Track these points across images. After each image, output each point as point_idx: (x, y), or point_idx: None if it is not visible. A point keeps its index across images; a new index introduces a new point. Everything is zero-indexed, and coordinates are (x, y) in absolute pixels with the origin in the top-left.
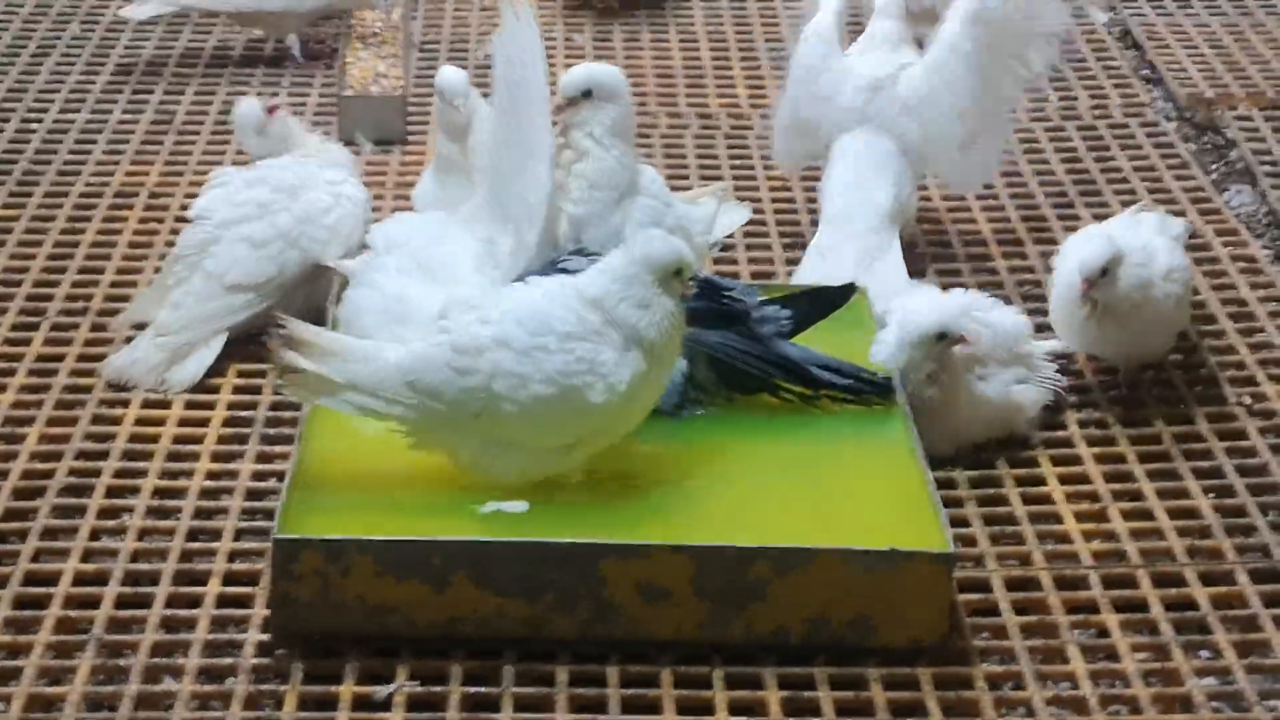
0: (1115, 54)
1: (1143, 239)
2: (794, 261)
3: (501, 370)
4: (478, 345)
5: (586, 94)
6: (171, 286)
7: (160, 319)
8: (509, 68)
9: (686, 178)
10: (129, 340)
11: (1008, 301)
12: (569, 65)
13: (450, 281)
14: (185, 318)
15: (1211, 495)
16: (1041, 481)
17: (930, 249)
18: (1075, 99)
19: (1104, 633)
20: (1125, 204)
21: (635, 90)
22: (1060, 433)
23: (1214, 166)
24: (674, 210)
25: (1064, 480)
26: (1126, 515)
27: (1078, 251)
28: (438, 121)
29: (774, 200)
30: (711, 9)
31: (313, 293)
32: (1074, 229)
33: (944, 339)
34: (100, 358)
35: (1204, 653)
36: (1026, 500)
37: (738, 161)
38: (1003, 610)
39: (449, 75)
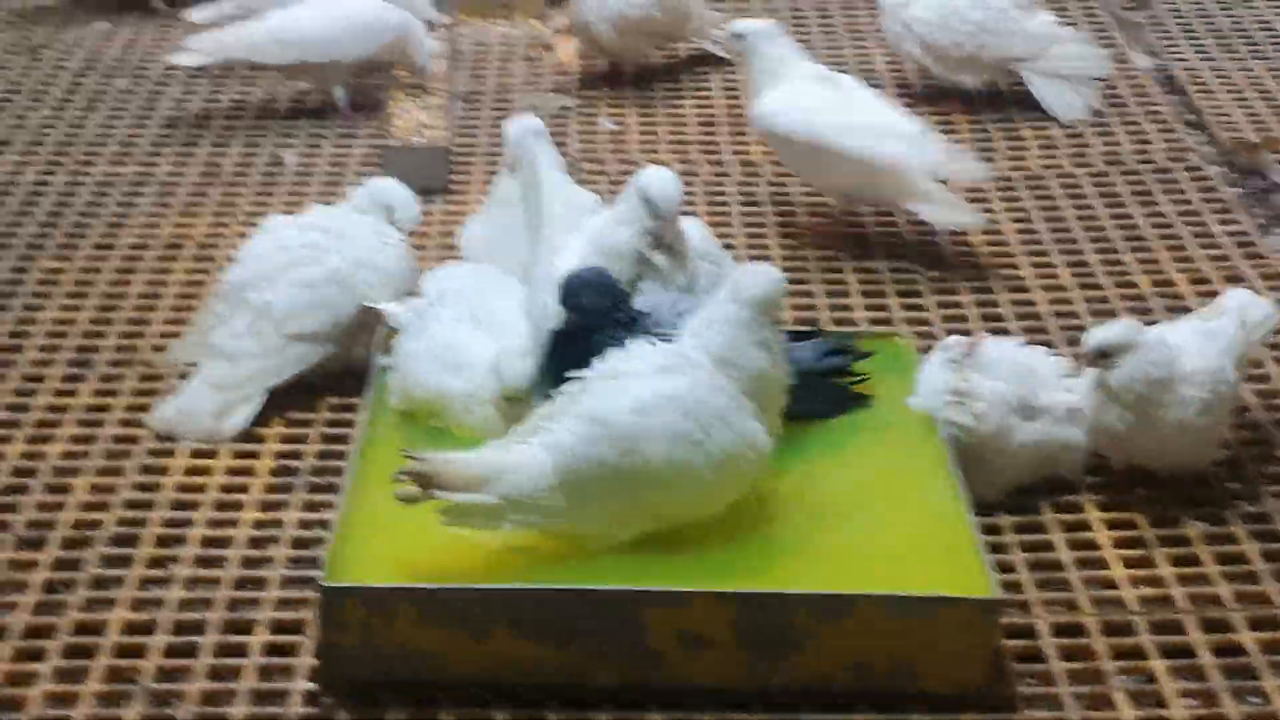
0: (1158, 99)
1: (1176, 335)
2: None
3: (667, 458)
4: (635, 434)
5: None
6: (214, 325)
7: (218, 373)
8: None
9: (730, 224)
10: (174, 388)
11: (1052, 347)
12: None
13: (501, 333)
14: (246, 371)
15: (1258, 540)
16: (1087, 526)
17: (975, 295)
18: (1118, 144)
19: (1151, 679)
20: (1170, 249)
21: (675, 138)
22: (1105, 477)
23: (1258, 210)
24: (725, 267)
25: (1110, 525)
26: (1173, 560)
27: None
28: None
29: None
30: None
31: (369, 341)
32: (1118, 274)
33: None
34: (148, 408)
35: (1253, 699)
36: (1072, 545)
37: (782, 208)
38: (1049, 656)
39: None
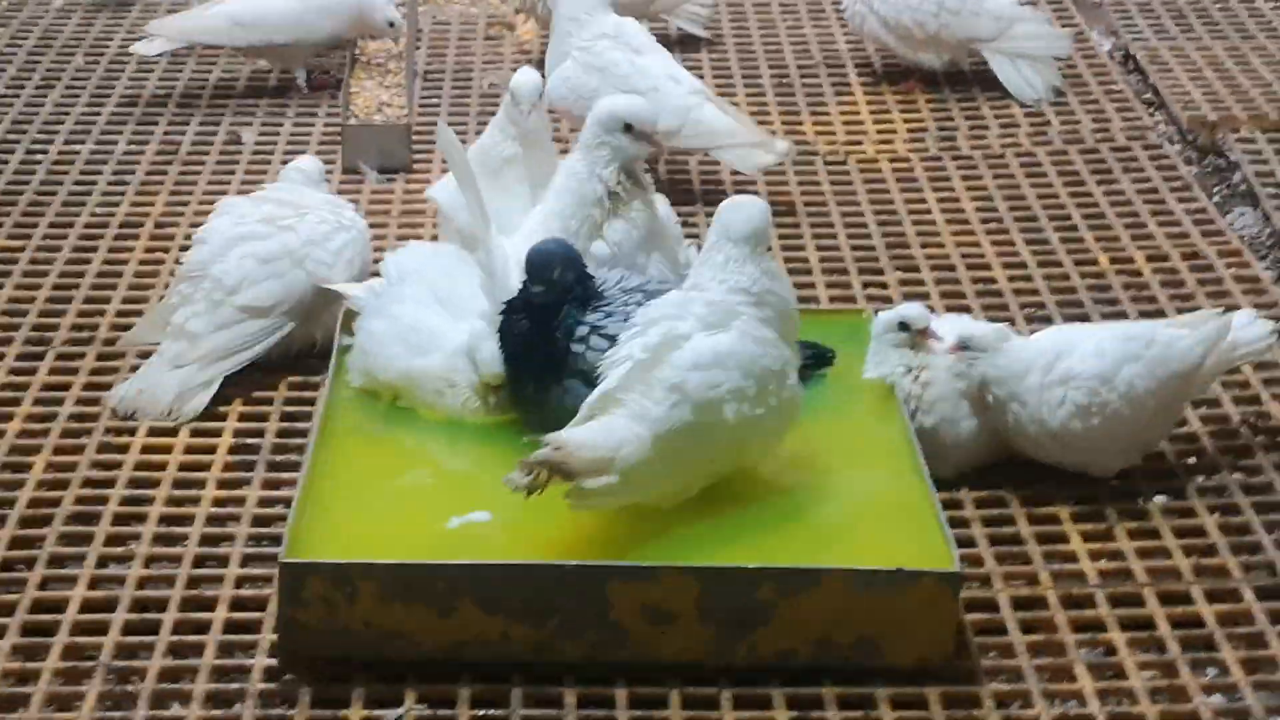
0: (1117, 78)
1: (1077, 336)
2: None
3: (738, 414)
4: (708, 397)
5: (628, 128)
6: (176, 305)
7: (175, 349)
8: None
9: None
10: (134, 369)
11: (1012, 324)
12: None
13: (465, 312)
14: (205, 348)
15: (1217, 513)
16: (1047, 500)
17: (934, 273)
18: (1078, 123)
19: (1111, 651)
20: (1129, 226)
21: None
22: None
23: (1217, 189)
24: (684, 251)
25: (1069, 499)
26: (1132, 534)
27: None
28: (502, 120)
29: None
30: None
31: (329, 320)
32: (1078, 252)
33: (905, 329)
34: (106, 387)
35: (1211, 670)
36: (1032, 520)
37: (743, 187)
38: (1010, 629)
39: (522, 78)
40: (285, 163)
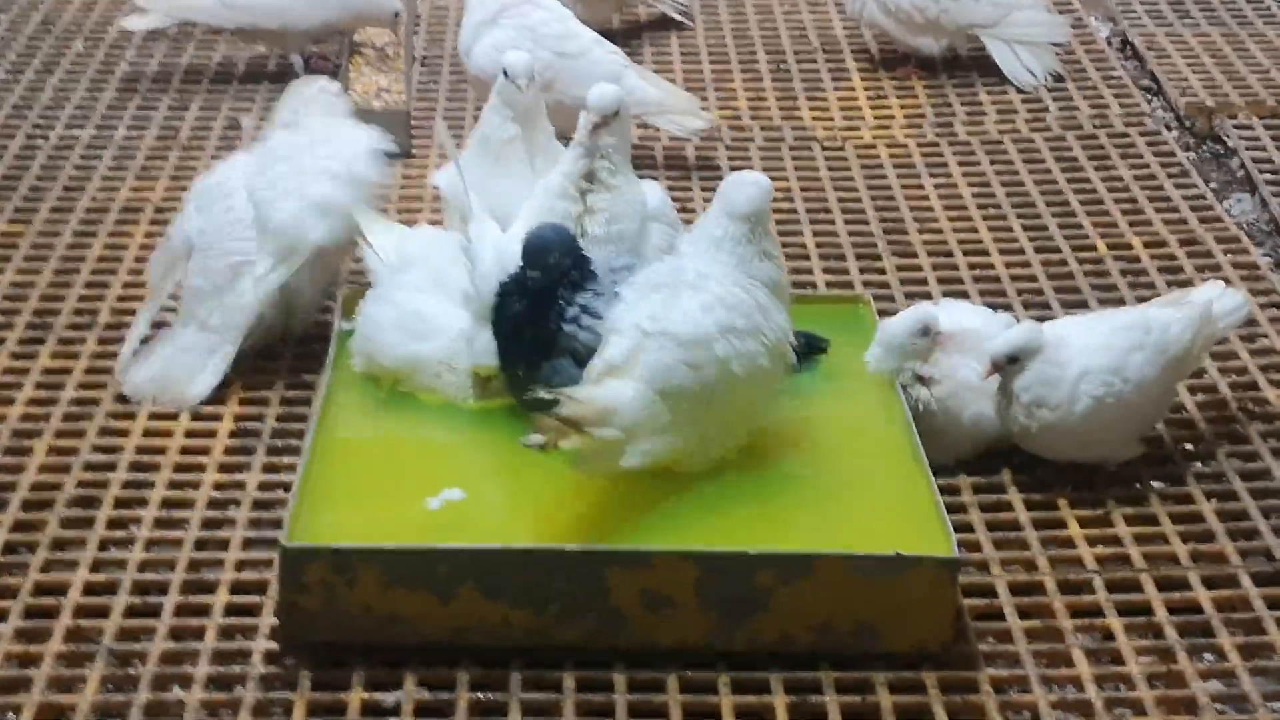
0: (1115, 64)
1: (1079, 329)
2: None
3: (733, 351)
4: (699, 337)
5: (615, 114)
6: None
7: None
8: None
9: (689, 188)
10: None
11: (1009, 309)
12: None
13: (464, 298)
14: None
15: (1214, 499)
16: (1045, 486)
17: (932, 258)
18: (1076, 109)
19: (1108, 636)
20: (1126, 213)
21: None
22: None
23: (1214, 175)
24: (680, 234)
25: (1067, 485)
26: (1129, 520)
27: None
28: (497, 104)
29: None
30: (712, 22)
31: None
32: (1075, 238)
33: (926, 334)
34: (108, 371)
35: (1208, 656)
36: (1030, 505)
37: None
38: (1007, 615)
39: (514, 56)
40: None
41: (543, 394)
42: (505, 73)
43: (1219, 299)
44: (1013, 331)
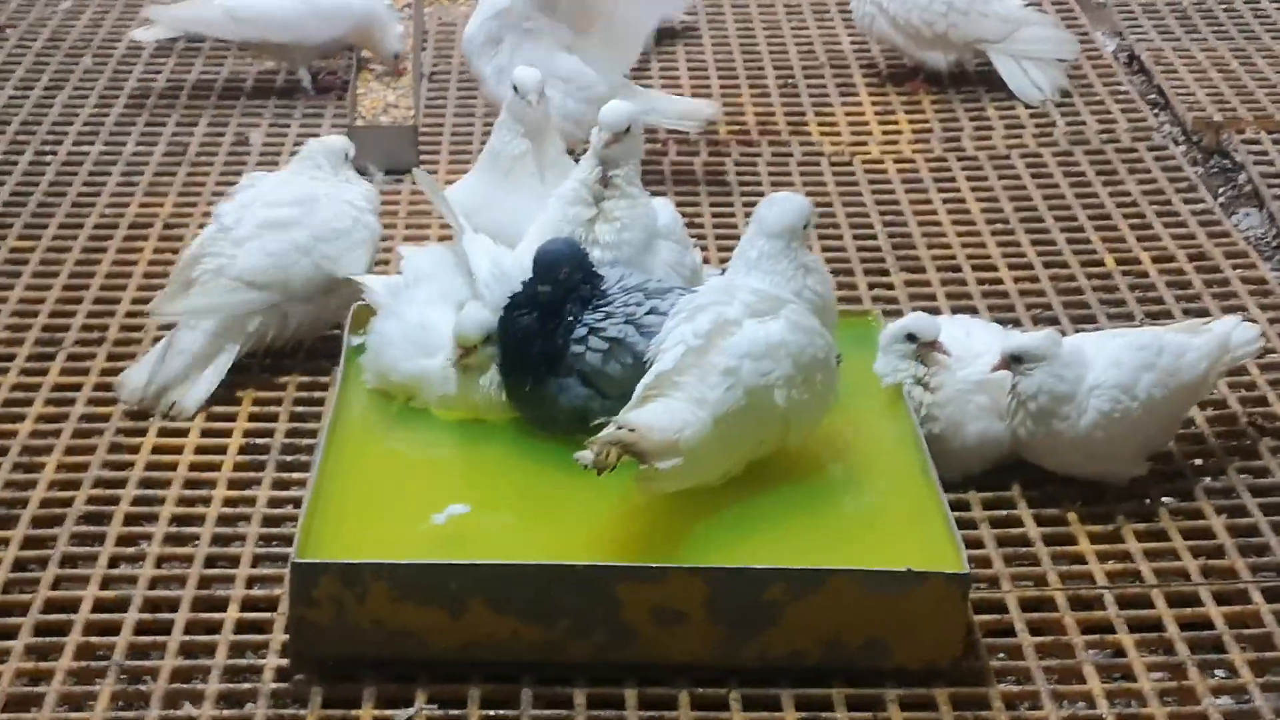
0: (1122, 79)
1: (1096, 344)
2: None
3: (786, 399)
4: (760, 383)
5: (626, 130)
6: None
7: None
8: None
9: (698, 203)
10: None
11: (1018, 326)
12: None
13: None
14: (196, 304)
15: (1224, 514)
16: (1055, 502)
17: (941, 273)
18: (1083, 124)
19: (1120, 652)
20: (1134, 227)
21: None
22: None
23: (1222, 190)
24: (690, 254)
25: (1077, 500)
26: (1140, 535)
27: (1023, 334)
28: (506, 119)
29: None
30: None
31: (326, 305)
32: (1083, 253)
33: (913, 340)
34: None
35: (1219, 671)
36: (1040, 521)
37: (749, 187)
38: (1018, 631)
39: (523, 72)
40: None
41: (607, 421)
42: (515, 88)
43: (1235, 330)
44: (1029, 334)
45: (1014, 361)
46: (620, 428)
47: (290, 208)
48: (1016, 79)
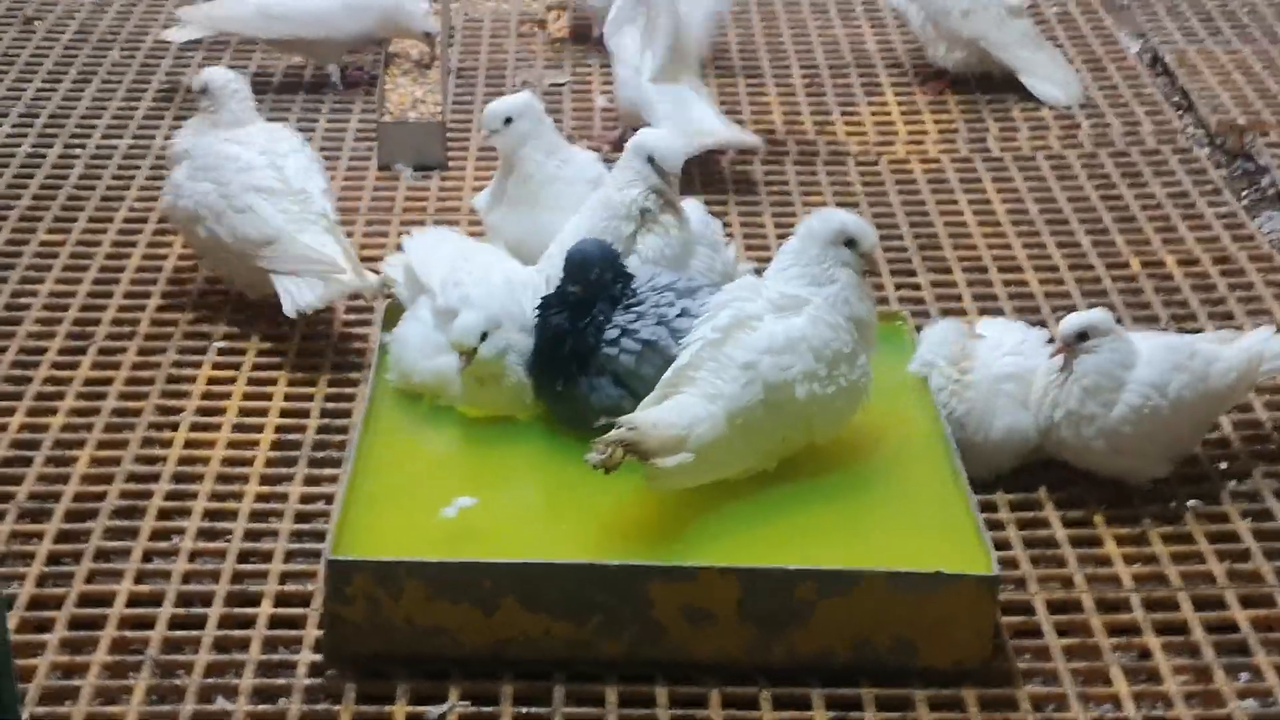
0: (1147, 81)
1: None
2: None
3: (808, 394)
4: (780, 378)
5: (650, 160)
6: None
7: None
8: None
9: (726, 204)
10: None
11: (1044, 326)
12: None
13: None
14: None
15: (1250, 518)
16: (1082, 504)
17: (966, 274)
18: (1108, 126)
19: (1146, 655)
20: (1159, 229)
21: None
22: None
23: (1246, 192)
24: (722, 255)
25: (1104, 503)
26: (1166, 538)
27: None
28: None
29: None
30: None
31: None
32: (1108, 255)
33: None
34: (149, 381)
35: (1245, 675)
36: (1067, 523)
37: (776, 189)
38: (1045, 632)
39: (489, 107)
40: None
41: (612, 421)
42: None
43: (1268, 342)
44: (1086, 312)
45: (1078, 339)
46: (623, 427)
47: None
48: (1038, 87)
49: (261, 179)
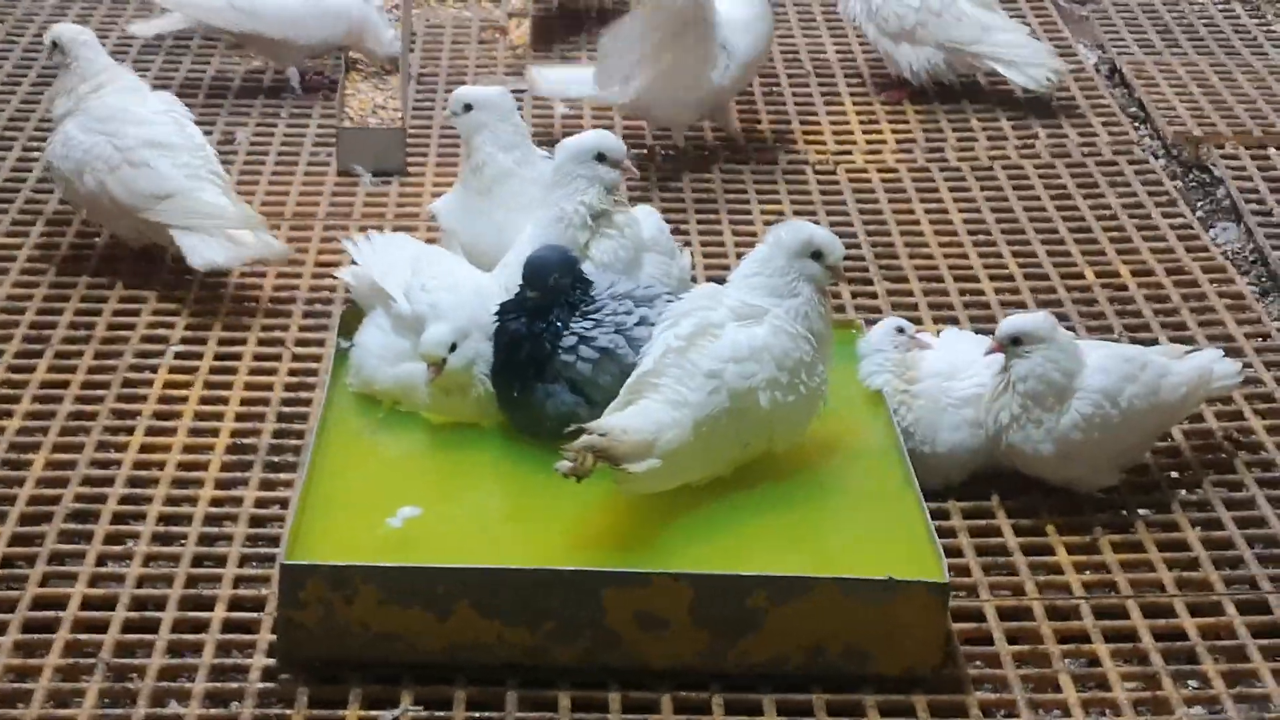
0: (1104, 92)
1: (1087, 350)
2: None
3: (770, 402)
4: (744, 386)
5: (600, 157)
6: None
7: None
8: None
9: (684, 210)
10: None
11: None
12: None
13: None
14: None
15: (1200, 527)
16: (1034, 513)
17: (922, 283)
18: (1065, 137)
19: (1095, 662)
20: (1114, 240)
21: (629, 121)
22: None
23: (1201, 204)
24: (677, 262)
25: (1055, 511)
26: (1116, 546)
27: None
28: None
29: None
30: None
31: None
32: (1064, 265)
33: (902, 332)
34: (105, 385)
35: (1193, 682)
36: (1019, 531)
37: (734, 194)
38: (996, 639)
39: (456, 90)
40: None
41: (581, 428)
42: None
43: (1217, 363)
44: (1027, 315)
45: (1012, 344)
46: (593, 433)
47: None
48: (1008, 71)
49: (161, 134)
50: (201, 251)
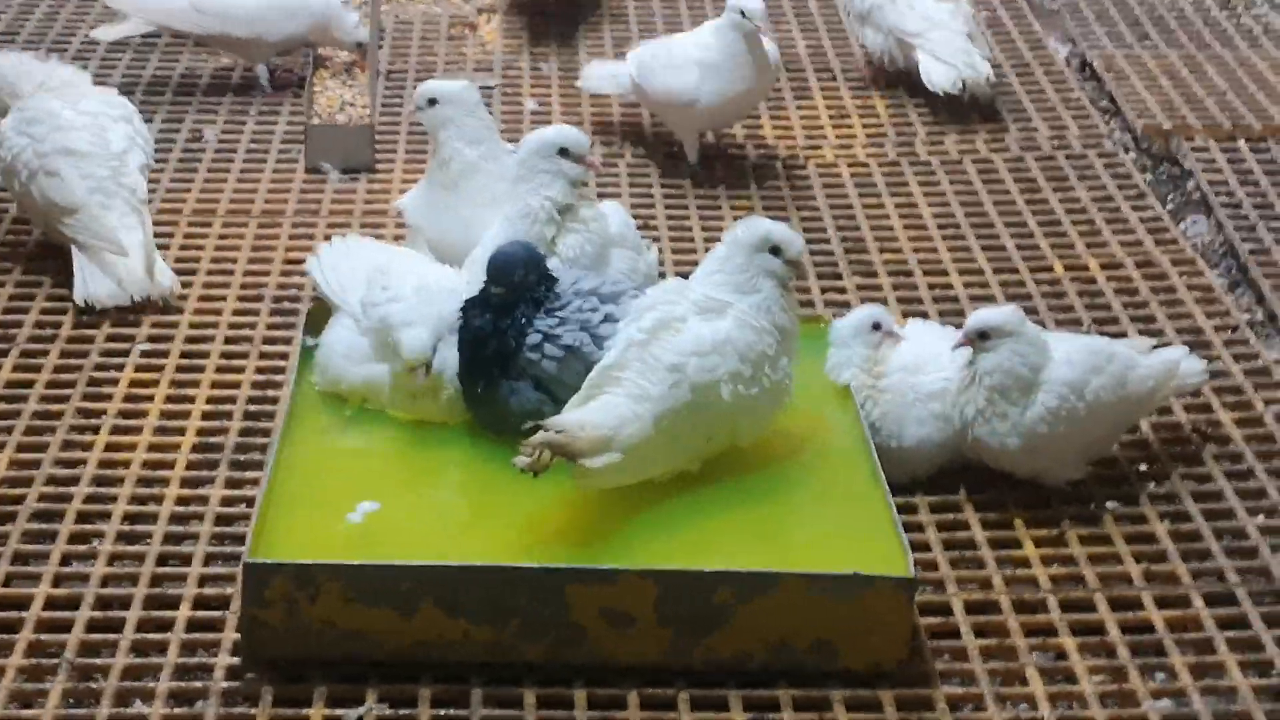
0: (1074, 85)
1: (1055, 342)
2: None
3: (733, 395)
4: (706, 379)
5: (563, 152)
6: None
7: None
8: None
9: (652, 205)
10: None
11: None
12: None
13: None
14: None
15: (1167, 520)
16: (1001, 506)
17: (891, 277)
18: (1035, 130)
19: (1062, 655)
20: (1083, 234)
21: (598, 118)
22: None
23: (1171, 197)
24: (645, 257)
25: (1022, 505)
26: (1084, 540)
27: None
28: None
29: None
30: None
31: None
32: (1033, 259)
33: (877, 329)
34: (70, 385)
35: (1160, 675)
36: (986, 525)
37: (704, 190)
38: (963, 633)
39: (423, 84)
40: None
41: (538, 424)
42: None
43: (1185, 360)
44: (995, 309)
45: (979, 338)
46: (550, 429)
47: None
48: (928, 68)
49: (75, 140)
50: (88, 283)
